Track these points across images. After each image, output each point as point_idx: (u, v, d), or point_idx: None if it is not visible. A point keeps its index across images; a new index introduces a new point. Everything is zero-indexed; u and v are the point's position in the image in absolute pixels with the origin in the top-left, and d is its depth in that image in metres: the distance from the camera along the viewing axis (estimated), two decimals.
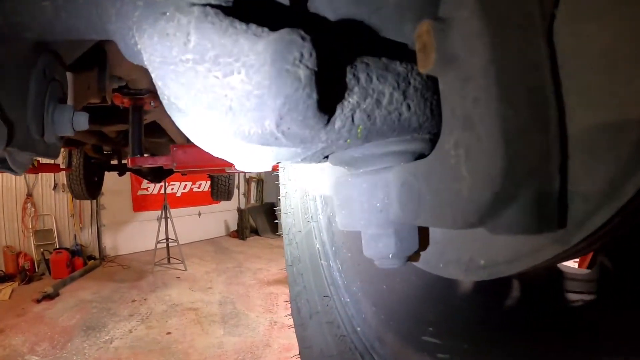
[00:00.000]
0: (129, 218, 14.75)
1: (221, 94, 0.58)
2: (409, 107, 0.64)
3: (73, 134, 1.06)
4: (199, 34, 0.58)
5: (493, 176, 0.49)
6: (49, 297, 9.22)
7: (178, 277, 11.27)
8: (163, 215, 12.64)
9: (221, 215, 17.93)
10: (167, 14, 0.60)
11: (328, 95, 0.56)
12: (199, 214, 17.10)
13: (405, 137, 0.69)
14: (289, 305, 1.81)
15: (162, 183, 11.58)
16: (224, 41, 0.57)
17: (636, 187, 0.46)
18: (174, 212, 13.33)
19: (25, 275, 10.88)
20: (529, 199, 0.50)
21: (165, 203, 12.68)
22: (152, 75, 0.65)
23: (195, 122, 0.67)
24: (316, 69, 0.53)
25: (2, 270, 10.95)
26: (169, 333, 7.53)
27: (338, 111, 0.59)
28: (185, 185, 16.53)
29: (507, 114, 0.48)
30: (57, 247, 12.02)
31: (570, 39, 0.49)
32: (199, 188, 16.91)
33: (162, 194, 13.32)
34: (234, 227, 18.21)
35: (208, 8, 0.60)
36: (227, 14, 0.60)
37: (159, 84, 0.65)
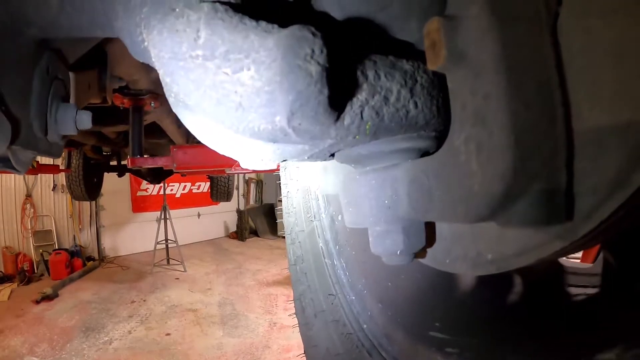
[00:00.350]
0: (128, 219, 14.75)
1: (231, 90, 0.58)
2: (416, 104, 0.64)
3: (76, 132, 1.06)
4: (209, 30, 0.58)
5: (505, 170, 0.50)
6: (48, 298, 9.21)
7: (177, 278, 11.26)
8: (162, 216, 12.63)
9: (220, 217, 17.93)
10: (177, 10, 0.61)
11: (338, 92, 0.56)
12: (199, 215, 17.10)
13: (412, 134, 0.69)
14: (293, 304, 1.80)
15: (162, 184, 11.57)
16: (233, 37, 0.57)
17: None
18: (173, 213, 13.33)
19: (24, 276, 10.87)
20: (538, 192, 0.51)
21: (165, 204, 12.68)
22: (160, 72, 0.65)
23: (203, 119, 0.67)
24: (327, 65, 0.53)
25: (1, 271, 10.95)
26: (168, 334, 7.53)
27: (347, 107, 0.59)
28: (185, 186, 16.53)
29: (518, 109, 0.49)
30: (56, 248, 12.02)
31: (578, 36, 0.50)
32: (198, 189, 16.91)
33: (161, 195, 13.31)
34: (233, 228, 18.22)
35: (217, 4, 0.60)
36: (237, 10, 0.60)
37: (167, 80, 0.65)
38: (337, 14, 0.71)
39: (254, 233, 18.28)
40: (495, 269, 0.67)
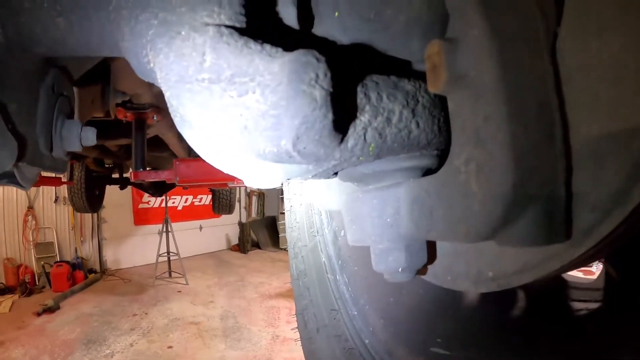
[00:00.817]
0: (130, 231, 14.72)
1: (236, 113, 0.59)
2: (417, 124, 0.65)
3: (81, 149, 1.07)
4: (215, 53, 0.59)
5: (505, 191, 0.51)
6: (49, 310, 9.19)
7: (179, 291, 11.23)
8: (164, 229, 12.63)
9: (222, 229, 17.88)
10: (183, 33, 0.62)
11: (342, 115, 0.57)
12: (200, 228, 17.06)
13: (414, 153, 0.70)
14: (295, 319, 1.80)
15: (163, 197, 11.57)
16: (239, 61, 0.58)
17: None
18: (175, 225, 13.30)
19: (25, 287, 10.85)
20: (538, 211, 0.52)
21: (167, 217, 12.68)
22: (166, 93, 0.66)
23: (208, 140, 0.68)
24: (331, 89, 0.54)
25: (2, 283, 10.94)
26: (170, 347, 7.49)
27: (351, 130, 0.60)
28: (187, 199, 16.50)
29: (518, 130, 0.49)
30: (58, 260, 11.99)
31: (576, 54, 0.51)
32: (200, 202, 16.88)
33: (163, 207, 13.32)
34: (235, 240, 18.15)
35: (223, 28, 0.61)
36: (242, 34, 0.61)
37: (173, 102, 0.65)
38: (340, 36, 0.72)
39: (256, 245, 18.20)
40: (496, 286, 0.67)
